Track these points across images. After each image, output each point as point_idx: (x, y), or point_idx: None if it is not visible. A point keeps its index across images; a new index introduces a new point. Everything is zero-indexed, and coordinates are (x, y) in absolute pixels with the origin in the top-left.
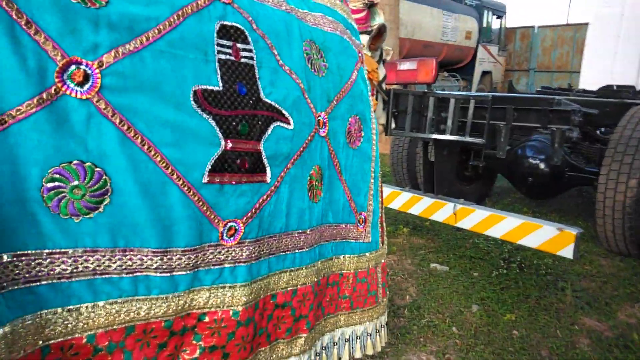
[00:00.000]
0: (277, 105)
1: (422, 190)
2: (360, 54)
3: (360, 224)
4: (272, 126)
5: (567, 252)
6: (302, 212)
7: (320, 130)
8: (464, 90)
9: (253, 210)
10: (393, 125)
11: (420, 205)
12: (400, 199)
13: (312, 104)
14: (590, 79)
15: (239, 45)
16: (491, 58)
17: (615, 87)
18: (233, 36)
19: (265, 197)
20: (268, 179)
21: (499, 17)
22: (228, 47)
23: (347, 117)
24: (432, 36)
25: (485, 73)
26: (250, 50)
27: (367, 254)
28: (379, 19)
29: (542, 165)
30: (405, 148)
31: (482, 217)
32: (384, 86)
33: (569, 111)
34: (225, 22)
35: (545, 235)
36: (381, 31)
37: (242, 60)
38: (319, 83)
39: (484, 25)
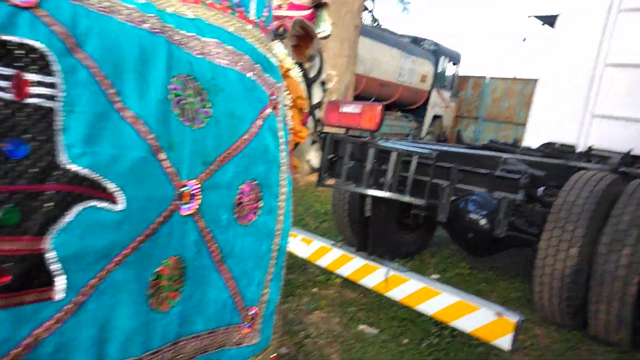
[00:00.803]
0: (91, 175)
1: (355, 246)
2: (273, 96)
3: (247, 323)
4: (75, 208)
5: (504, 342)
6: (132, 332)
7: (183, 207)
8: (416, 131)
9: (20, 349)
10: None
11: (350, 265)
12: (330, 256)
13: (174, 167)
14: (535, 133)
15: (30, 77)
16: (443, 103)
17: (556, 146)
18: (19, 61)
19: (50, 323)
20: (56, 295)
21: (454, 63)
22: (4, 78)
23: (236, 184)
24: (389, 76)
25: (436, 117)
26: (51, 85)
27: (251, 359)
28: (324, 26)
29: (482, 222)
30: (347, 190)
31: (415, 289)
32: (318, 113)
33: (517, 179)
34: (7, 38)
35: (481, 320)
36: (309, 33)
37: (31, 100)
38: (190, 138)
39: (439, 70)
